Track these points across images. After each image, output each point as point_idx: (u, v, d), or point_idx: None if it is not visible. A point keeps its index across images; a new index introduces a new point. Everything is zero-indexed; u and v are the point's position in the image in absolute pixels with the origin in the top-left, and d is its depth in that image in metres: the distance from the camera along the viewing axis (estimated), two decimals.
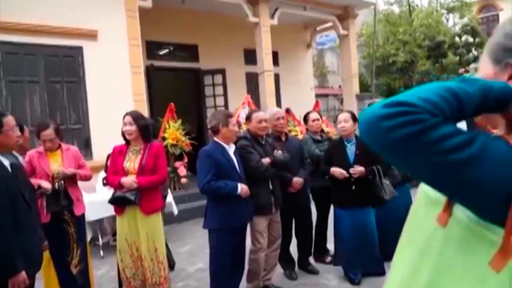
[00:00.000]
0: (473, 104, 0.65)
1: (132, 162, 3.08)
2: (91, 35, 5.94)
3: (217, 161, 2.93)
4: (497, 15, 23.68)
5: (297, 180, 3.61)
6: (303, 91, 10.73)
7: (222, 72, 9.17)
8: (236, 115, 6.69)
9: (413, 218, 0.81)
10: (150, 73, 8.27)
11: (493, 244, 0.64)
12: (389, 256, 4.31)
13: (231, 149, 3.11)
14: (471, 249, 0.67)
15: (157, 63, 8.49)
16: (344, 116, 3.68)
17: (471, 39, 15.47)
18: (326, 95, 16.54)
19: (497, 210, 0.63)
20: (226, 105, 9.12)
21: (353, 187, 3.52)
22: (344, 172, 3.52)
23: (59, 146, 3.34)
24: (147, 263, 3.04)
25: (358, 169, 3.50)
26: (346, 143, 3.68)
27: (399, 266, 0.80)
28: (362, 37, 15.61)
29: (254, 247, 3.29)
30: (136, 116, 3.10)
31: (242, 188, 2.96)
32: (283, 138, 3.80)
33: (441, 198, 0.73)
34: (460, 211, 0.69)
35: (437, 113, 0.61)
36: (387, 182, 3.59)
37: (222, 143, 3.06)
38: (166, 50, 8.92)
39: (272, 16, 8.44)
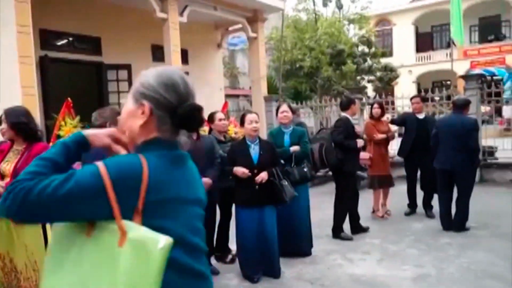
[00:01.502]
0: (54, 156, 1.01)
1: (10, 163, 2.75)
2: None
3: None
4: (391, 29, 26.34)
5: (206, 181, 3.47)
6: (213, 91, 10.71)
7: (127, 67, 8.73)
8: None
9: (57, 249, 1.03)
10: (45, 65, 7.54)
11: (115, 231, 0.93)
12: (296, 253, 4.41)
13: None
14: (103, 242, 0.95)
15: (53, 54, 7.75)
16: (254, 116, 3.78)
17: (367, 50, 17.00)
18: (237, 96, 16.79)
19: (106, 212, 0.94)
20: None
21: (256, 187, 3.61)
22: (246, 171, 3.60)
23: None
24: (29, 274, 2.74)
25: (261, 175, 3.60)
26: (249, 143, 3.76)
27: (61, 282, 0.99)
28: (272, 41, 16.16)
29: None
30: (9, 113, 2.76)
31: None
32: (194, 137, 3.73)
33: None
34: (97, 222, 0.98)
35: (34, 177, 0.94)
36: (286, 183, 3.76)
37: None
38: (65, 41, 8.20)
39: (181, 13, 8.28)
